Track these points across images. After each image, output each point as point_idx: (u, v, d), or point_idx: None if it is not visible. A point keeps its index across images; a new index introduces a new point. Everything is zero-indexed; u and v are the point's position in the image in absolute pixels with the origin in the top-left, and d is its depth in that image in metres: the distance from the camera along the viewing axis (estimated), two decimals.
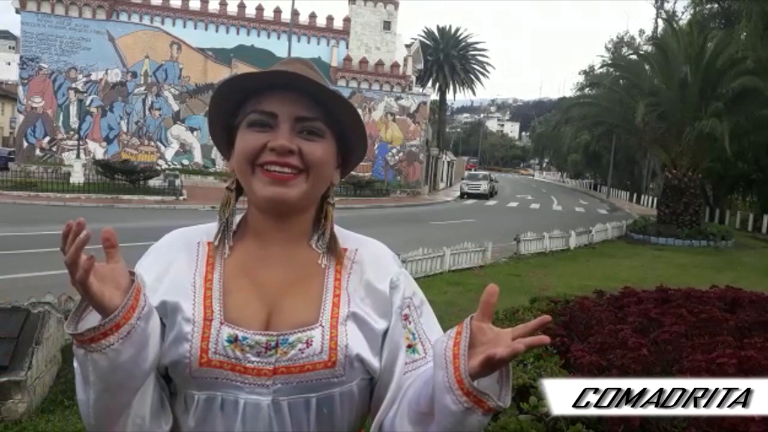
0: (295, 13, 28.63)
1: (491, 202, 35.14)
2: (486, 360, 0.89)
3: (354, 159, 1.17)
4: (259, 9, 33.19)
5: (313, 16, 33.78)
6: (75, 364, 0.97)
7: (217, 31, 32.66)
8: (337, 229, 1.16)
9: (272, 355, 1.03)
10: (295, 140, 1.05)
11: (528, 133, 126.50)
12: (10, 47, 66.03)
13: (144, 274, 1.06)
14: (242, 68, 30.93)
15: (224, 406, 1.03)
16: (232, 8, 32.86)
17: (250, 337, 1.03)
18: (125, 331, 0.91)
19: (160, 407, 1.04)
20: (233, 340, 1.03)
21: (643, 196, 41.72)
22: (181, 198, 22.37)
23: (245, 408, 1.02)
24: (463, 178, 45.31)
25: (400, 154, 34.79)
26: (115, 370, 0.92)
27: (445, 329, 1.06)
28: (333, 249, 1.13)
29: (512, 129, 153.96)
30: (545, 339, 0.89)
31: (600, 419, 2.60)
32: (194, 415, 1.04)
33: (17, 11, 30.11)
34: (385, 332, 1.09)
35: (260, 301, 1.07)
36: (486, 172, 46.78)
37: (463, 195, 38.56)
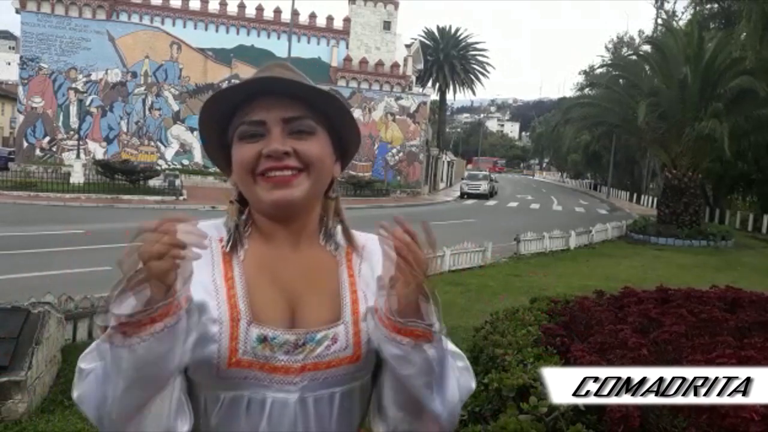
0: (295, 13, 28.62)
1: (491, 203, 35.11)
2: (394, 280, 0.98)
3: (351, 150, 1.18)
4: (259, 9, 33.18)
5: (313, 16, 33.78)
6: (93, 359, 0.95)
7: (217, 31, 32.66)
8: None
9: (300, 352, 1.04)
10: (288, 142, 1.05)
11: (528, 133, 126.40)
12: (10, 47, 66.01)
13: None
14: (242, 68, 30.97)
15: (250, 405, 1.02)
16: (232, 8, 32.87)
17: (280, 336, 1.04)
18: (173, 321, 0.89)
19: (180, 407, 1.00)
20: (263, 340, 1.03)
21: (643, 196, 41.67)
22: (181, 198, 22.39)
23: (272, 406, 1.02)
24: (463, 178, 45.30)
25: (400, 154, 34.78)
26: (150, 363, 0.89)
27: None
28: (349, 240, 1.16)
29: (512, 129, 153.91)
30: (399, 218, 1.03)
31: (600, 419, 2.60)
32: (217, 415, 1.03)
33: (17, 11, 30.11)
34: None
35: (283, 299, 1.08)
36: (486, 172, 46.75)
37: (463, 195, 38.53)
